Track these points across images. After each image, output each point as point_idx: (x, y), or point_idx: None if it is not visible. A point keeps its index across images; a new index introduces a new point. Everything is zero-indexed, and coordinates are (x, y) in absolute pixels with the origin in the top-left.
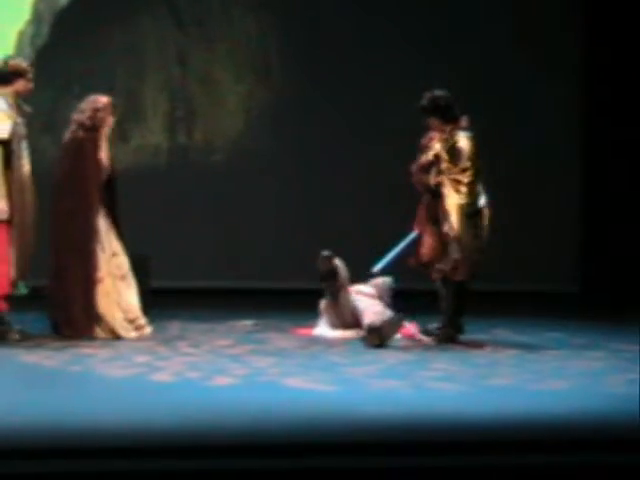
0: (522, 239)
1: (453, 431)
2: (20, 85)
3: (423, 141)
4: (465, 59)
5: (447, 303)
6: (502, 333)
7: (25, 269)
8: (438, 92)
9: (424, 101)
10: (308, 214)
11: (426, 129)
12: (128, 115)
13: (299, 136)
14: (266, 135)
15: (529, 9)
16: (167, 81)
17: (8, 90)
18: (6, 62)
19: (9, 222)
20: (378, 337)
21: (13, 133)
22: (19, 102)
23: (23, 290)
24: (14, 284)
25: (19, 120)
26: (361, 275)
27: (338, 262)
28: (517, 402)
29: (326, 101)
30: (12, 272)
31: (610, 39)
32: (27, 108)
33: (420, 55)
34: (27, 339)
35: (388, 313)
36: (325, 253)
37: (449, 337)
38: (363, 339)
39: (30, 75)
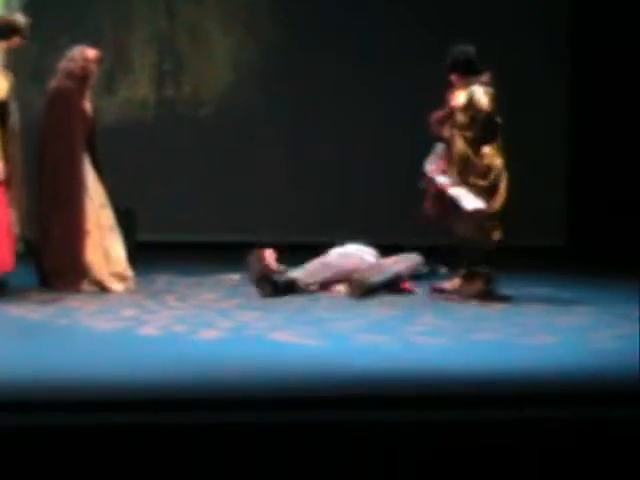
0: (511, 196)
1: (439, 385)
2: (15, 41)
3: (447, 95)
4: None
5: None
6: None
7: (22, 226)
8: (459, 48)
9: (450, 58)
10: (297, 168)
11: (449, 85)
12: (115, 67)
13: (288, 89)
14: (255, 88)
15: None
16: (155, 33)
17: (2, 46)
18: (3, 18)
19: (7, 183)
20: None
21: (9, 91)
22: (9, 56)
23: (19, 248)
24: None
25: (8, 75)
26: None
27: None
28: (504, 357)
29: (316, 53)
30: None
31: None
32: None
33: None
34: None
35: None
36: (261, 250)
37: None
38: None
39: (26, 33)
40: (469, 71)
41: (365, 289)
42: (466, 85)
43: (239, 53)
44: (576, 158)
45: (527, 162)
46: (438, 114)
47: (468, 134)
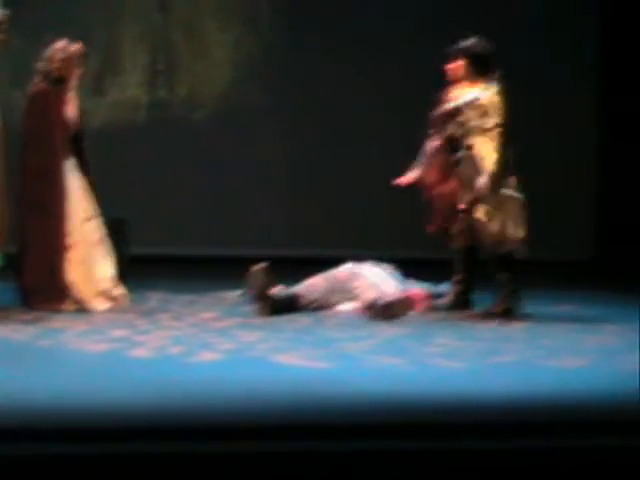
0: (535, 208)
1: (455, 412)
2: None
3: (443, 93)
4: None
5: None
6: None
7: (3, 239)
8: (480, 40)
9: (467, 45)
10: (297, 175)
11: (446, 81)
12: (104, 67)
13: (289, 90)
14: (255, 89)
15: None
16: (147, 30)
17: None
18: None
19: None
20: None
21: None
22: None
23: (0, 261)
24: None
25: None
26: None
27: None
28: (527, 381)
29: (317, 51)
30: None
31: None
32: None
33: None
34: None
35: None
36: (260, 266)
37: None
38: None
39: (5, 26)
40: (482, 66)
41: (387, 315)
42: (471, 81)
43: (237, 51)
44: (606, 171)
45: (557, 179)
46: (441, 112)
47: (486, 127)
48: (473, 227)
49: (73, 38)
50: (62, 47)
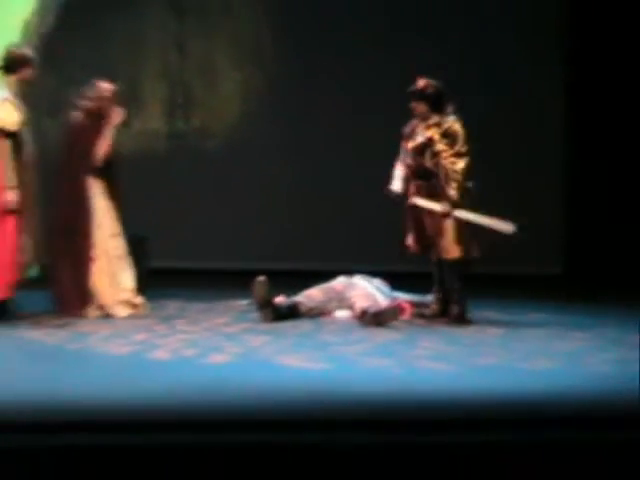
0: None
1: (441, 409)
2: (25, 73)
3: (407, 128)
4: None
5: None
6: (488, 314)
7: (37, 252)
8: (430, 80)
9: (415, 87)
10: (303, 197)
11: (410, 116)
12: (129, 101)
13: (294, 122)
14: (262, 121)
15: None
16: (166, 68)
17: (13, 79)
18: (11, 52)
19: (19, 211)
20: (377, 320)
21: (22, 123)
22: (22, 88)
23: (34, 273)
24: (27, 268)
25: (22, 107)
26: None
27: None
28: (504, 381)
29: (321, 87)
30: (24, 257)
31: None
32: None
33: (420, 43)
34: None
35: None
36: (260, 279)
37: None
38: (362, 320)
39: (34, 63)
40: (437, 104)
41: (378, 322)
42: (429, 117)
43: (247, 86)
44: (574, 191)
45: (526, 193)
46: (415, 145)
47: (455, 160)
48: (436, 242)
49: (101, 75)
50: (105, 88)
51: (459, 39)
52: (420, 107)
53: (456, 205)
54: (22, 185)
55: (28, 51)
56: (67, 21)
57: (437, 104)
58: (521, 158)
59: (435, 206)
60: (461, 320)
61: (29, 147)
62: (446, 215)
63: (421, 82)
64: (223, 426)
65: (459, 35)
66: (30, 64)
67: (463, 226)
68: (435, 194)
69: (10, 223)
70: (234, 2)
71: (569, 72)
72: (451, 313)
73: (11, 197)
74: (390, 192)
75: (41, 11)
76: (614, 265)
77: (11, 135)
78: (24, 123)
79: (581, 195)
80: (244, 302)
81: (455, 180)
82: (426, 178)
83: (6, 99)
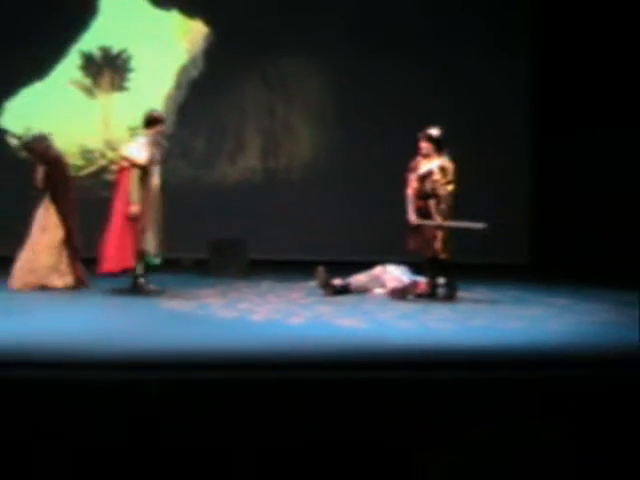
0: (474, 214)
1: (448, 354)
2: (158, 128)
3: (412, 163)
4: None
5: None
6: (475, 293)
7: (160, 247)
8: (438, 129)
9: (430, 132)
10: (352, 214)
11: (416, 153)
12: (236, 148)
13: (357, 161)
14: (330, 161)
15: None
16: (261, 124)
17: (151, 131)
18: (150, 113)
19: (136, 219)
20: (402, 295)
21: (150, 160)
22: (159, 139)
23: (157, 261)
24: (153, 256)
25: (156, 151)
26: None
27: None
28: (491, 335)
29: (373, 137)
30: (149, 248)
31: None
32: (164, 143)
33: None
34: (159, 292)
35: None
36: (320, 268)
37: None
38: (392, 295)
39: (164, 121)
40: (440, 146)
41: (402, 296)
42: (432, 155)
43: (319, 136)
44: (539, 190)
45: (493, 187)
46: (420, 173)
47: (446, 187)
48: (430, 244)
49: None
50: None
51: (426, 41)
52: (427, 147)
53: (445, 218)
54: (145, 203)
55: (161, 113)
56: (196, 94)
57: (440, 146)
58: (488, 149)
59: (431, 222)
60: (452, 298)
61: (156, 178)
62: (437, 227)
63: (434, 130)
64: (301, 365)
65: (426, 37)
66: (161, 122)
67: (448, 233)
68: (429, 212)
69: (133, 226)
70: (306, 78)
71: (533, 69)
72: (442, 293)
73: (133, 209)
74: (409, 222)
75: (177, 87)
76: (573, 256)
77: (141, 168)
78: (153, 162)
79: (546, 197)
80: (312, 283)
81: (445, 200)
82: (425, 198)
83: (143, 143)
